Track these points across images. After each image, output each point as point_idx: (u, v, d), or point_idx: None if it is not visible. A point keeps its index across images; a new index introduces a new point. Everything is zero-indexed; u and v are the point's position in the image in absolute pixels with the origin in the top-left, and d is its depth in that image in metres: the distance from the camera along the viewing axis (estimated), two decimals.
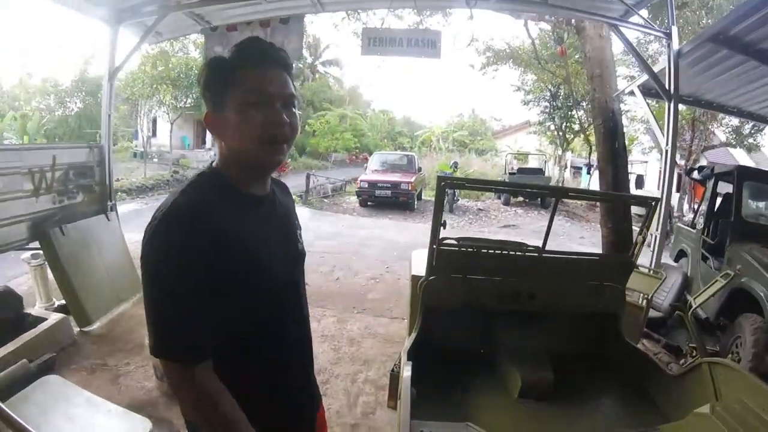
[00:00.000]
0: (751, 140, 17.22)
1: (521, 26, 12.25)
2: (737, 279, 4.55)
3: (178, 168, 20.50)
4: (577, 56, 15.25)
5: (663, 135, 5.79)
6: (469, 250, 2.95)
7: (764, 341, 4.01)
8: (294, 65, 1.48)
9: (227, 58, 1.24)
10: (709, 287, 4.49)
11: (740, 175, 5.50)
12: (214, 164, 1.31)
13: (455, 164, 18.89)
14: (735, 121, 16.80)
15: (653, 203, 3.22)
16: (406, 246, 10.23)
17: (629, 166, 27.10)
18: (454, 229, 13.92)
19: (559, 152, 23.64)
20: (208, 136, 24.57)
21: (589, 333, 3.24)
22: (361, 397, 3.89)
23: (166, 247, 1.11)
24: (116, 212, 5.82)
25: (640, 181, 30.48)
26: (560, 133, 21.56)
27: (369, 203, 16.28)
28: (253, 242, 1.24)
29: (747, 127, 16.53)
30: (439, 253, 2.88)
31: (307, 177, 16.80)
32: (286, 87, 1.27)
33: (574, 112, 19.56)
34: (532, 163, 23.97)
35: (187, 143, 26.35)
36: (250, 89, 1.20)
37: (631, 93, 7.34)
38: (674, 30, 5.47)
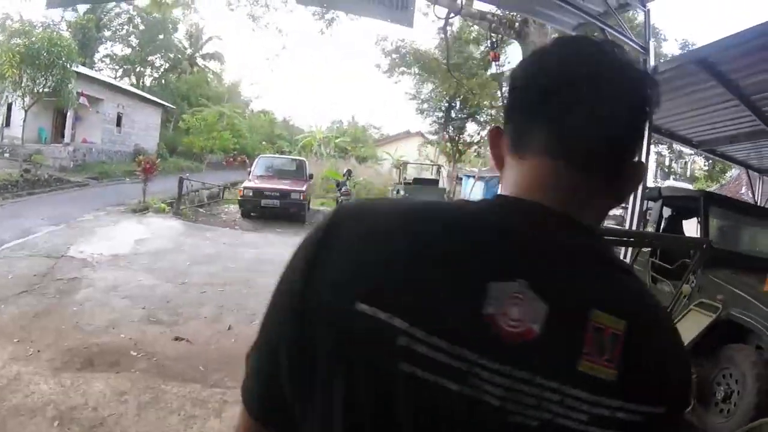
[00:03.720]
0: None
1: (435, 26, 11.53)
2: (725, 311, 4.20)
3: (30, 166, 16.79)
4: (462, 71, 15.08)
5: None
6: None
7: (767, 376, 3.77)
8: None
9: None
10: (684, 318, 4.27)
11: (707, 200, 5.26)
12: None
13: (348, 172, 17.64)
14: None
15: (703, 246, 2.45)
16: None
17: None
18: None
19: (443, 162, 23.62)
20: (68, 128, 20.98)
21: None
22: None
23: None
24: None
25: None
26: (454, 144, 21.37)
27: (252, 214, 14.40)
28: None
29: None
30: None
31: (180, 181, 14.28)
32: None
33: (467, 124, 19.54)
34: (411, 171, 23.42)
35: (44, 136, 22.13)
36: None
37: None
38: (651, 45, 5.11)
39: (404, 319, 0.54)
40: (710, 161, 18.77)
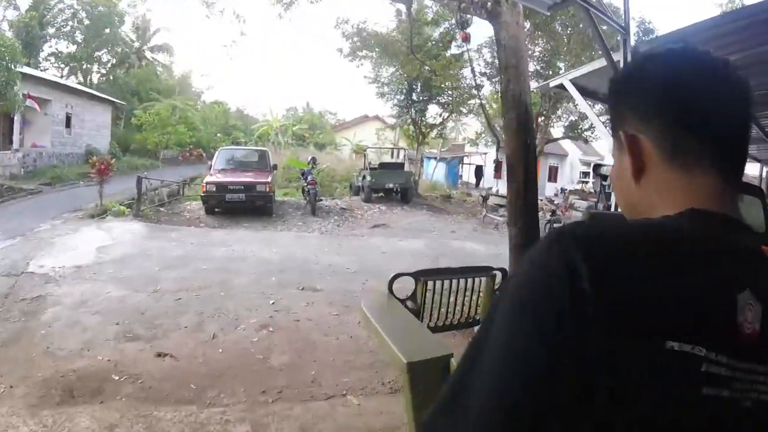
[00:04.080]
0: (587, 134, 20.20)
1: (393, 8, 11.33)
2: None
3: None
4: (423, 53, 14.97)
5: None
6: None
7: None
8: None
9: None
10: None
11: None
12: None
13: (313, 160, 17.26)
14: (573, 116, 20.01)
15: None
16: (282, 265, 8.54)
17: (466, 158, 28.60)
18: (324, 235, 12.45)
19: (404, 145, 23.59)
20: (16, 133, 19.79)
21: None
22: None
23: None
24: None
25: (479, 171, 32.22)
26: (416, 128, 21.31)
27: (217, 210, 13.97)
28: None
29: (587, 123, 19.03)
30: None
31: (139, 181, 13.54)
32: None
33: (429, 106, 19.61)
34: (372, 155, 23.33)
35: None
36: None
37: (560, 86, 6.66)
38: (632, 25, 5.09)
39: (702, 345, 0.58)
40: None
